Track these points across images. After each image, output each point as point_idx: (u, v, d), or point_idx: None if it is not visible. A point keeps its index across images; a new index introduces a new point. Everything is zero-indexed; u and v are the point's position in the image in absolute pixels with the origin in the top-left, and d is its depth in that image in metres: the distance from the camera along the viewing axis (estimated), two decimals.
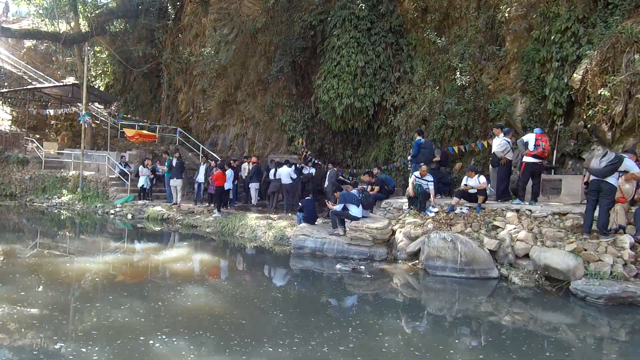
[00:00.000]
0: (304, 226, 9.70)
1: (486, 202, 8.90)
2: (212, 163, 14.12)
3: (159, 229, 11.93)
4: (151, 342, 4.40)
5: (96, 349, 4.20)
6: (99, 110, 22.13)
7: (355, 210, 9.00)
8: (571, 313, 6.04)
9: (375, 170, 11.85)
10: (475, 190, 8.85)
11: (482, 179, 8.95)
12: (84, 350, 4.18)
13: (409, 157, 11.17)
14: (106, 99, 21.92)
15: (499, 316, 5.95)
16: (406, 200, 9.88)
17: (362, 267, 7.95)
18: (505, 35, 11.68)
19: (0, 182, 17.31)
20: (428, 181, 9.36)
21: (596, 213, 7.03)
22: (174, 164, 13.83)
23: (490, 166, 9.92)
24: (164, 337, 4.53)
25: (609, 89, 8.87)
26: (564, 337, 5.14)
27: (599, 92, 9.09)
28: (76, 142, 18.90)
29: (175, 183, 13.86)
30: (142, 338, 4.48)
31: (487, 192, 9.08)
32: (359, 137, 15.49)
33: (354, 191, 9.54)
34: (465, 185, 9.03)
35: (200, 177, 13.91)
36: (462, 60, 11.88)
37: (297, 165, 14.12)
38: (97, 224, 12.45)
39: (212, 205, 12.94)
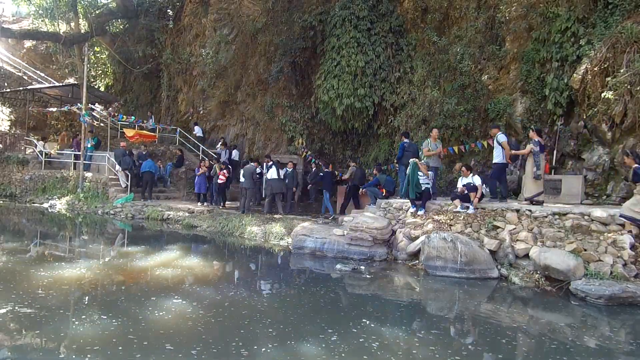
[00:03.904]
0: (304, 226, 9.70)
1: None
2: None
3: (159, 229, 11.92)
4: (152, 350, 4.39)
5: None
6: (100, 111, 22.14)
7: None
8: (571, 313, 6.03)
9: (375, 172, 11.91)
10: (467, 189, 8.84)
11: (477, 179, 8.95)
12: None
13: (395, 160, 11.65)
14: (106, 99, 21.92)
15: (499, 316, 5.94)
16: (406, 200, 9.86)
17: (362, 267, 7.95)
18: (505, 35, 11.68)
19: (0, 183, 17.32)
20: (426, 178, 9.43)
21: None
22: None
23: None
24: (163, 340, 4.52)
25: (609, 89, 8.88)
26: (564, 337, 5.14)
27: (599, 92, 9.09)
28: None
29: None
30: (141, 346, 4.47)
31: (483, 191, 9.10)
32: (359, 137, 15.50)
33: None
34: (464, 186, 9.02)
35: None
36: (462, 60, 11.89)
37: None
38: (97, 225, 12.44)
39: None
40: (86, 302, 5.62)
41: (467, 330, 5.28)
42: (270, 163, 13.02)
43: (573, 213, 7.49)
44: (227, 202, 14.35)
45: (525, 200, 8.72)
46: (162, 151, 18.23)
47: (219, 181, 13.73)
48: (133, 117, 18.01)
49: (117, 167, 15.12)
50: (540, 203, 8.50)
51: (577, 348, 4.78)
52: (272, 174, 12.52)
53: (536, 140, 8.60)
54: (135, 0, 21.16)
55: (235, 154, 16.56)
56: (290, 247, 9.49)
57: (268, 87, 16.84)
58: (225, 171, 13.79)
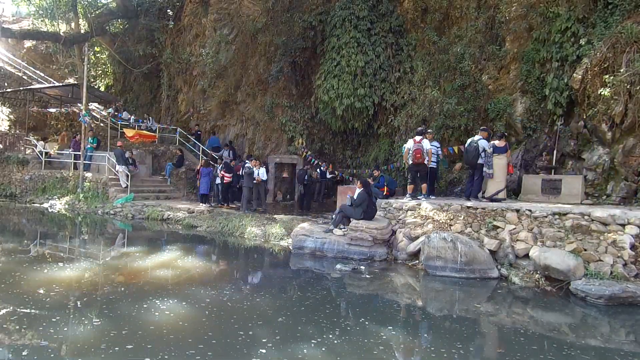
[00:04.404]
0: (304, 226, 9.70)
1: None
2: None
3: (159, 229, 11.92)
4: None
5: None
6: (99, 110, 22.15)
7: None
8: (571, 313, 6.04)
9: (376, 172, 11.90)
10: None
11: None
12: None
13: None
14: (106, 99, 21.92)
15: (499, 316, 5.95)
16: (408, 200, 9.86)
17: (362, 267, 7.95)
18: (505, 35, 11.69)
19: (0, 183, 17.32)
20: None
21: None
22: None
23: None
24: (162, 341, 4.52)
25: (609, 89, 8.88)
26: (564, 337, 5.14)
27: (599, 92, 9.10)
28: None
29: None
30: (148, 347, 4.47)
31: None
32: (359, 137, 15.51)
33: None
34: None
35: None
36: (462, 60, 11.89)
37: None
38: (97, 225, 12.44)
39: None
40: (86, 303, 5.61)
41: (467, 331, 5.28)
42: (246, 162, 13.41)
43: (573, 213, 7.49)
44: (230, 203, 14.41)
45: (485, 198, 9.39)
46: (162, 151, 18.24)
47: (224, 181, 13.77)
48: (132, 118, 17.97)
49: (117, 167, 15.12)
50: (499, 200, 9.21)
51: (577, 348, 4.78)
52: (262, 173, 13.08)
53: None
54: (135, 0, 21.16)
55: (226, 153, 16.62)
56: (290, 247, 9.49)
57: (268, 87, 16.85)
58: (223, 171, 13.78)
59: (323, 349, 4.43)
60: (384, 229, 8.89)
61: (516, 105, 11.14)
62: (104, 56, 24.86)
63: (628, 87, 8.72)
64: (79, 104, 16.51)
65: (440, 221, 8.65)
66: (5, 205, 15.37)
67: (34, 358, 3.98)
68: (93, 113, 18.24)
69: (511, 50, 11.48)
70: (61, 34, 21.24)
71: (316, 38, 15.47)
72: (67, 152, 16.96)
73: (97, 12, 21.59)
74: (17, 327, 4.63)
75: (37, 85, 21.16)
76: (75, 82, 20.47)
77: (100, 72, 25.68)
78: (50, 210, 14.42)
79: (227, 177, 13.80)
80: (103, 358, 4.02)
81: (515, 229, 7.79)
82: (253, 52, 17.32)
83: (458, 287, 7.04)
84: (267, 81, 16.55)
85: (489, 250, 7.61)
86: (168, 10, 21.62)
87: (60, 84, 21.02)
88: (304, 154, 15.54)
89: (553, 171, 10.24)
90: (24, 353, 4.07)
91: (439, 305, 6.50)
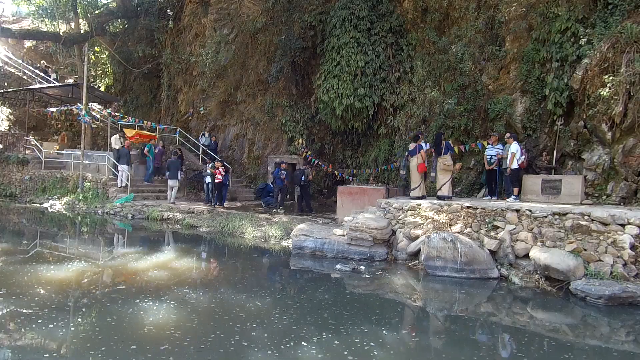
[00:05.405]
0: (304, 226, 9.70)
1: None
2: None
3: (159, 229, 11.92)
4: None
5: None
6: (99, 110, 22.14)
7: None
8: (571, 313, 6.04)
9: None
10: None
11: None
12: None
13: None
14: (106, 99, 21.90)
15: (499, 316, 5.95)
16: (408, 199, 9.86)
17: (362, 267, 7.95)
18: (505, 35, 11.69)
19: (0, 183, 17.32)
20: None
21: None
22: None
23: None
24: (160, 342, 4.52)
25: (609, 89, 8.88)
26: (564, 337, 5.14)
27: (599, 92, 9.10)
28: (76, 142, 18.89)
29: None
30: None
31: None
32: (359, 137, 15.50)
33: None
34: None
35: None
36: (462, 60, 11.89)
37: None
38: (97, 225, 12.43)
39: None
40: (86, 303, 5.62)
41: (467, 331, 5.28)
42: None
43: (573, 213, 7.48)
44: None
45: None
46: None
47: (216, 180, 13.62)
48: (133, 119, 17.93)
49: (120, 166, 15.06)
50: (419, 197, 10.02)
51: (577, 348, 4.77)
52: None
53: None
54: (135, 1, 21.15)
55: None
56: (290, 247, 9.49)
57: (268, 87, 16.85)
58: (221, 169, 13.67)
59: (322, 349, 4.42)
60: (384, 229, 8.88)
61: (516, 105, 11.14)
62: (104, 56, 24.84)
63: (628, 87, 8.73)
64: (78, 104, 16.46)
65: (440, 221, 8.64)
66: (5, 205, 15.37)
67: (34, 358, 3.98)
68: (93, 112, 18.18)
69: (511, 50, 11.48)
70: (61, 34, 21.24)
71: (316, 38, 15.47)
72: (68, 152, 16.95)
73: (97, 12, 21.59)
74: (17, 327, 4.63)
75: (37, 85, 21.15)
76: (75, 82, 20.46)
77: (100, 72, 25.66)
78: (50, 210, 14.42)
79: (219, 177, 13.61)
80: (106, 356, 4.02)
81: (515, 229, 7.79)
82: (253, 52, 17.31)
83: (458, 287, 7.04)
84: (267, 81, 16.55)
85: (489, 250, 7.61)
86: (168, 10, 21.61)
87: (61, 84, 21.02)
88: (304, 154, 15.54)
89: (553, 171, 10.24)
90: (23, 353, 4.07)
91: (438, 305, 6.50)
